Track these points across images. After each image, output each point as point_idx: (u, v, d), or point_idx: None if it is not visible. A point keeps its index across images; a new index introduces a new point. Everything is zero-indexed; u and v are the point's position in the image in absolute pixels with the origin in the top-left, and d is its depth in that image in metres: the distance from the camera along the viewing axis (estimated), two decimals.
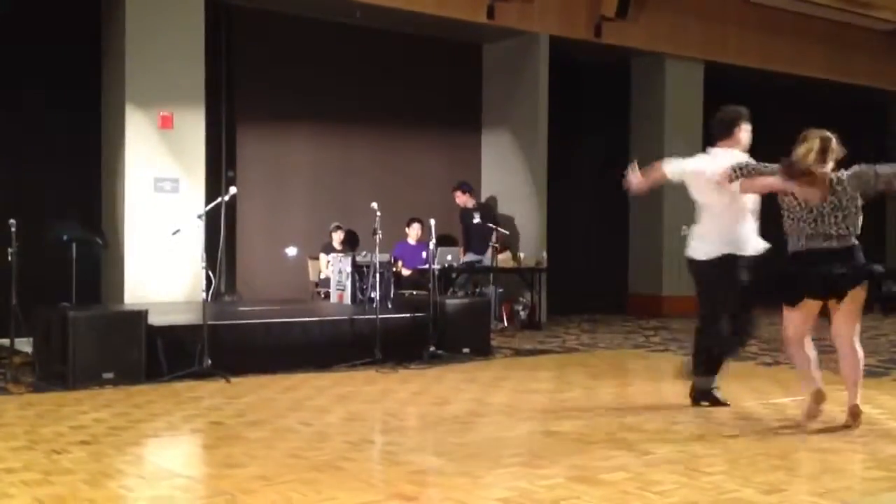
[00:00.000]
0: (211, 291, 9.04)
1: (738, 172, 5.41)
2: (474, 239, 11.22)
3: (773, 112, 15.12)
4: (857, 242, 5.14)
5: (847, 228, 5.10)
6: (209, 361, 6.60)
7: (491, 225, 10.91)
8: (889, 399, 6.19)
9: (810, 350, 5.28)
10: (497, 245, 10.72)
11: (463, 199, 11.40)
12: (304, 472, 4.13)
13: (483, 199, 12.34)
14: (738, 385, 6.74)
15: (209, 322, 6.76)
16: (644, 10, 12.42)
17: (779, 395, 6.34)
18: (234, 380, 6.56)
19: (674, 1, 12.80)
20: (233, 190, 7.70)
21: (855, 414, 5.14)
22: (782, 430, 5.17)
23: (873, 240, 17.10)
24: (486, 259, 10.82)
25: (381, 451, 4.68)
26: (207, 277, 7.07)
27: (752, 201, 5.76)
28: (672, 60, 13.08)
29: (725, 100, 15.25)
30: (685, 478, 4.08)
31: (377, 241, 7.92)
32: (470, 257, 11.03)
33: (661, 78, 13.15)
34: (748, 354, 8.74)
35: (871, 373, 7.52)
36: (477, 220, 11.13)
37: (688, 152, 14.01)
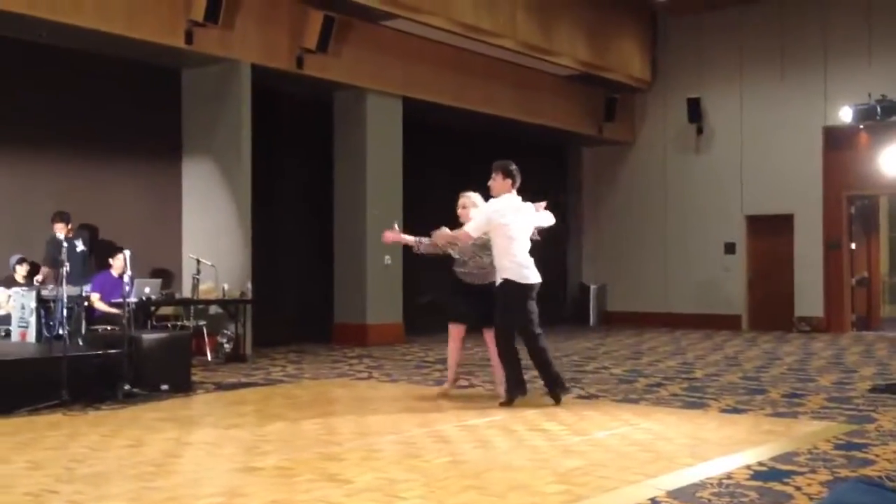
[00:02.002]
0: None
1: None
2: (78, 268, 9.71)
3: (466, 147, 16.08)
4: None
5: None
6: None
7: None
8: (569, 416, 6.70)
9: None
10: None
11: (63, 229, 9.96)
12: None
13: (187, 232, 12.03)
14: (435, 408, 7.02)
15: None
16: (345, 44, 12.69)
17: (473, 416, 6.65)
18: None
19: (374, 38, 13.19)
20: None
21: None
22: (475, 450, 5.43)
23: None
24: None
25: (65, 501, 4.34)
26: None
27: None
28: (373, 95, 13.45)
29: (423, 135, 16.04)
30: None
31: (64, 273, 7.41)
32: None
33: (362, 111, 13.46)
34: (445, 378, 9.12)
35: None
36: (81, 247, 10.02)
37: (388, 184, 14.59)
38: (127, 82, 11.54)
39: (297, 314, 13.23)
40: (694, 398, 7.70)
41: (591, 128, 17.32)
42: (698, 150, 17.36)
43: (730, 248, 16.95)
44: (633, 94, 17.82)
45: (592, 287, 18.35)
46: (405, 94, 13.78)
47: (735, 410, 7.07)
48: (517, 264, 7.10)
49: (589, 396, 7.83)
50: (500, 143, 16.64)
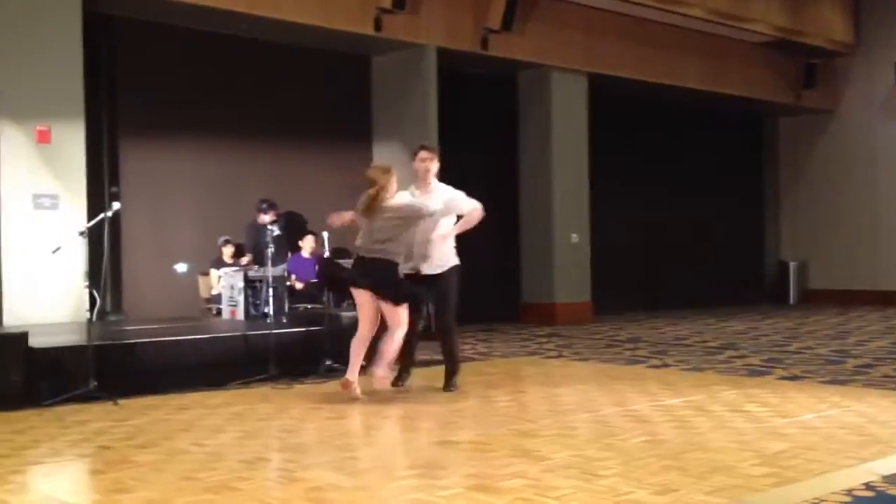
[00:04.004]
0: (95, 311, 8.74)
1: None
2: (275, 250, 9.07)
3: (655, 121, 15.64)
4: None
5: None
6: (95, 384, 6.36)
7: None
8: (773, 397, 6.41)
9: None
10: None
11: (267, 218, 10.10)
12: (198, 494, 4.01)
13: None
14: (629, 387, 6.90)
15: (94, 343, 6.51)
16: (529, 22, 12.64)
17: (668, 396, 6.50)
18: (122, 402, 6.33)
19: (557, 14, 13.06)
20: (116, 205, 7.42)
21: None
22: (673, 430, 5.30)
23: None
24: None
25: (277, 469, 4.58)
26: (91, 296, 6.81)
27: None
28: (557, 72, 13.33)
29: (610, 110, 15.69)
30: (581, 482, 4.13)
31: (269, 254, 7.81)
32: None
33: (547, 89, 13.37)
34: (637, 358, 8.98)
35: (755, 372, 7.84)
36: (277, 231, 10.04)
37: (574, 162, 14.40)
38: (321, 71, 11.98)
39: (483, 293, 13.34)
40: None
41: (788, 96, 16.46)
42: None
43: None
44: (834, 59, 16.77)
45: (792, 264, 17.50)
46: (589, 69, 13.57)
47: None
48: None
49: (793, 377, 7.47)
50: (690, 116, 16.16)
